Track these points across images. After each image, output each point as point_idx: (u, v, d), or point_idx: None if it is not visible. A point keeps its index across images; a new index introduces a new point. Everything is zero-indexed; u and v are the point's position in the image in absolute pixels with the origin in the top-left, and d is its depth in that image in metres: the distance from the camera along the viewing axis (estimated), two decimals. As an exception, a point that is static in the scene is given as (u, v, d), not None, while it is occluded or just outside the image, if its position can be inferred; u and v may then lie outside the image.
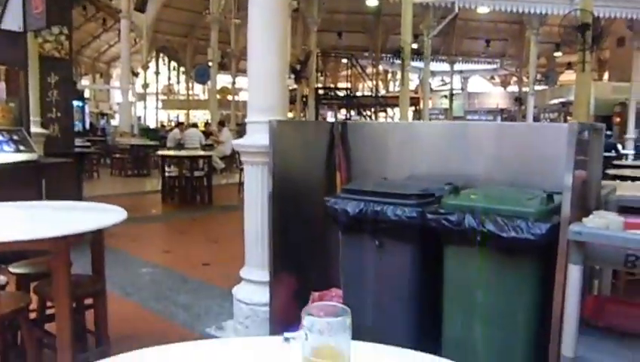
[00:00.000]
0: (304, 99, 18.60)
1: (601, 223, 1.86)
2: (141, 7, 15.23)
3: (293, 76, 14.45)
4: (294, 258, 2.78)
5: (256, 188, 3.09)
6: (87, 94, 23.18)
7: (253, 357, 1.17)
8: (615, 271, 3.42)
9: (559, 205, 2.01)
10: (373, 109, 21.70)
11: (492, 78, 30.32)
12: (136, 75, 20.82)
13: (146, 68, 20.44)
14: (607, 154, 8.64)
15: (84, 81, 25.12)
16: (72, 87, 8.28)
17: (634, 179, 5.41)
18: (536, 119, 18.68)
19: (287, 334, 0.96)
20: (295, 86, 16.84)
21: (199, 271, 4.60)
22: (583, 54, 8.47)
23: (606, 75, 19.66)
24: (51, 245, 2.47)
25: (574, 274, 1.85)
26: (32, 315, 2.80)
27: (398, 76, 21.01)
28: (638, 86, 13.55)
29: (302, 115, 18.37)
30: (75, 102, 12.50)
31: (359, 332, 1.06)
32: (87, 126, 19.17)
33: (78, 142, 8.58)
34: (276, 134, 2.74)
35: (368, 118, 20.50)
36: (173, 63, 27.42)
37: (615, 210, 2.31)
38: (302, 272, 2.81)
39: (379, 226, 2.34)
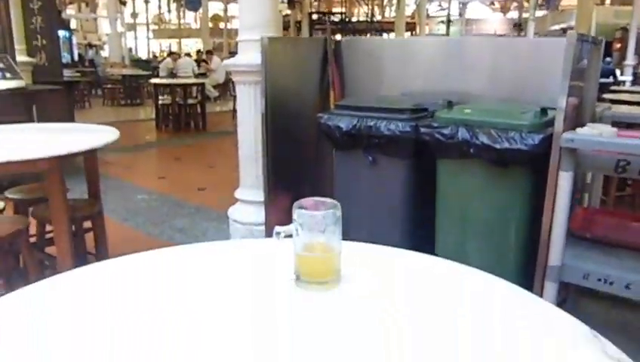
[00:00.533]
0: (298, 25, 18.09)
1: (594, 132, 1.86)
2: None
3: (286, 1, 13.97)
4: (288, 177, 2.79)
5: (248, 108, 3.05)
6: (73, 25, 22.45)
7: (246, 255, 1.20)
8: (605, 186, 3.47)
9: (553, 118, 2.00)
10: (368, 35, 21.15)
11: (492, 3, 29.41)
12: (123, 3, 20.09)
13: (133, -5, 19.71)
14: (605, 80, 8.50)
15: (69, 10, 24.25)
16: (57, 14, 8.00)
17: (631, 103, 5.37)
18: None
19: (277, 228, 0.97)
20: (288, 11, 16.33)
21: (195, 196, 4.64)
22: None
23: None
24: (44, 166, 2.46)
25: (564, 181, 1.87)
26: (32, 240, 2.83)
27: (395, 1, 20.33)
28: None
29: (296, 41, 17.92)
30: (62, 32, 12.13)
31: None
32: (76, 57, 18.71)
33: (66, 73, 8.40)
34: (268, 51, 2.67)
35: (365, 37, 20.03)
36: (164, -10, 26.43)
37: (609, 125, 2.30)
38: (296, 191, 2.82)
39: (372, 141, 2.34)
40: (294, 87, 2.89)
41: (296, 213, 0.96)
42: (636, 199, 4.03)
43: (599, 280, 1.84)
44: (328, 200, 0.99)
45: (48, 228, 2.81)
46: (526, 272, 2.09)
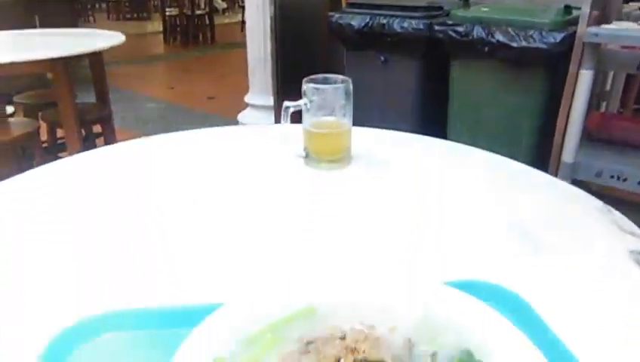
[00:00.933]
0: None
1: (621, 26, 1.77)
2: None
3: None
4: (298, 80, 2.72)
5: (257, 12, 2.94)
6: None
7: (255, 137, 1.19)
8: (623, 99, 3.38)
9: (577, 17, 1.91)
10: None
11: None
12: None
13: None
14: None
15: None
16: None
17: None
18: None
19: (287, 103, 0.94)
20: None
21: (204, 105, 4.60)
22: None
23: None
24: (50, 67, 2.43)
25: (584, 79, 1.81)
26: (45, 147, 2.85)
27: None
28: None
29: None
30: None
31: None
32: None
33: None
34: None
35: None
36: None
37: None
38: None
39: (385, 40, 2.26)
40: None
41: (306, 88, 0.93)
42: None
43: (612, 177, 1.82)
44: (339, 76, 0.95)
45: (60, 134, 2.82)
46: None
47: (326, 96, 0.93)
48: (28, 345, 0.48)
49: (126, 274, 0.64)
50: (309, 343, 0.42)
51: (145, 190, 0.89)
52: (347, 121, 0.96)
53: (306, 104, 0.94)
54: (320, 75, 0.95)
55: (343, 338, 0.40)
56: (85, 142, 2.84)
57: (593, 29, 1.77)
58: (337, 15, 2.38)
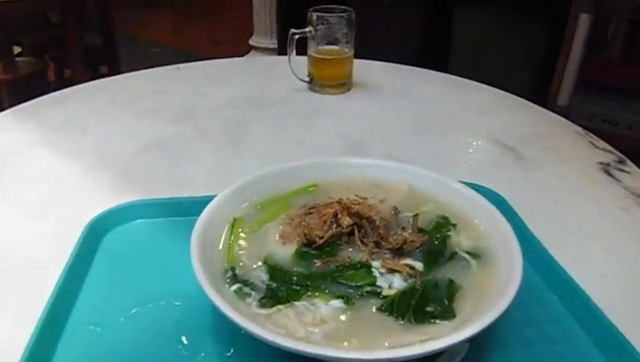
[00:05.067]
0: None
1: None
2: None
3: None
4: (302, 23, 2.75)
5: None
6: None
7: (262, 66, 1.26)
8: (625, 47, 3.38)
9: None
10: None
11: None
12: None
13: None
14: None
15: None
16: None
17: None
18: None
19: (293, 30, 1.00)
20: None
21: (209, 49, 4.59)
22: None
23: None
24: (59, 5, 2.46)
25: (583, 23, 1.85)
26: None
27: None
28: None
29: None
30: None
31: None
32: None
33: None
34: None
35: None
36: None
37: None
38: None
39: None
40: None
41: (311, 16, 0.99)
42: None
43: (604, 120, 1.89)
44: (343, 7, 1.01)
45: (67, 75, 2.86)
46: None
47: (330, 25, 0.99)
48: (72, 223, 0.56)
49: (152, 171, 0.74)
50: (312, 208, 0.50)
51: (159, 108, 0.97)
52: (349, 49, 1.02)
53: (310, 31, 1.00)
54: (324, 6, 1.01)
55: (339, 201, 0.49)
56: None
57: (594, -28, 1.80)
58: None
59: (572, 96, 1.96)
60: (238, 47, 3.49)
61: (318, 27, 0.99)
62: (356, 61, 1.05)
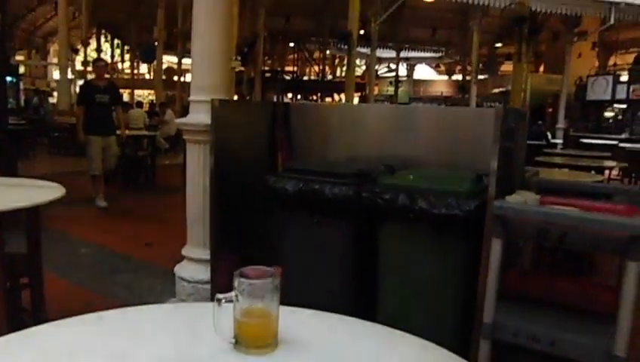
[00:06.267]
0: (251, 82, 18.43)
1: (520, 200, 2.02)
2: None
3: (240, 58, 14.27)
4: (236, 236, 2.82)
5: (197, 167, 3.11)
6: (21, 70, 22.04)
7: (186, 319, 1.24)
8: (540, 250, 3.67)
9: (487, 185, 2.15)
10: (319, 94, 21.80)
11: (437, 66, 30.93)
12: (75, 51, 19.97)
13: (86, 44, 19.59)
14: (538, 142, 9.13)
15: (19, 57, 23.81)
16: (5, 61, 7.87)
17: (561, 166, 6.03)
18: (479, 106, 19.29)
19: (219, 295, 1.02)
20: (242, 68, 16.63)
21: (141, 251, 4.57)
22: (520, 46, 8.89)
23: (542, 68, 20.45)
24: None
25: (496, 247, 2.00)
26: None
27: (345, 61, 21.09)
28: (569, 79, 14.32)
29: (248, 97, 18.20)
30: (8, 78, 11.90)
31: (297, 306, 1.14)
32: (22, 103, 18.31)
33: (12, 120, 8.20)
34: (218, 113, 2.75)
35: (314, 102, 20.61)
36: (117, 41, 26.39)
37: (536, 190, 2.48)
38: (243, 250, 2.85)
39: (316, 204, 2.43)
40: (243, 148, 2.96)
41: (236, 281, 1.02)
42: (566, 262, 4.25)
43: (527, 337, 1.94)
44: (268, 268, 1.05)
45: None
46: (465, 332, 2.18)
47: (255, 289, 1.02)
48: None
49: None
50: None
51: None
52: (274, 310, 1.04)
53: (236, 295, 1.02)
54: (250, 268, 1.05)
55: None
56: (11, 292, 2.73)
57: (498, 203, 2.00)
58: (273, 178, 2.56)
59: (495, 312, 2.04)
60: (171, 250, 3.49)
61: (243, 290, 1.01)
62: (284, 308, 1.06)
